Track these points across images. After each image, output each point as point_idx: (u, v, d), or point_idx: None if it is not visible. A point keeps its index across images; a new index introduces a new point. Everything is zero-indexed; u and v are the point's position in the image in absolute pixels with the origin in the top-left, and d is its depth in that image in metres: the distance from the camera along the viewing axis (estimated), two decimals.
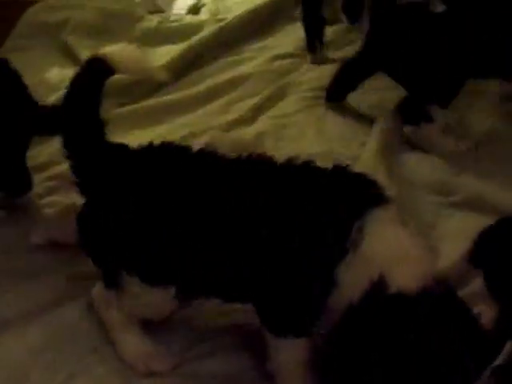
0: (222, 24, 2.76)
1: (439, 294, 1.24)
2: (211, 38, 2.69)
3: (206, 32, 2.72)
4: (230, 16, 2.86)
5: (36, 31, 2.79)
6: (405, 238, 1.30)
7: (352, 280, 1.26)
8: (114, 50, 1.54)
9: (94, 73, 1.54)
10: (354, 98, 2.39)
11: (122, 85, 2.42)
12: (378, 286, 1.23)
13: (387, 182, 2.04)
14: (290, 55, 2.66)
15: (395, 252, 1.27)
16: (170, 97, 2.45)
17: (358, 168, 2.09)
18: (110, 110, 2.37)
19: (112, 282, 1.51)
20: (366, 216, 1.29)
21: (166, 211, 1.39)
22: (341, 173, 1.42)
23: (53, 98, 2.36)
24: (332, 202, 1.33)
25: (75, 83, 1.54)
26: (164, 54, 2.66)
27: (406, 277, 1.24)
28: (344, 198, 1.34)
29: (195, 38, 2.69)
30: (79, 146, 1.52)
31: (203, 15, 2.92)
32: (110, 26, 2.79)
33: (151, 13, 2.90)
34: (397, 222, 1.33)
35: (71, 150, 1.52)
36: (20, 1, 2.98)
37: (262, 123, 2.33)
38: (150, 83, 2.46)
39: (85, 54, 2.61)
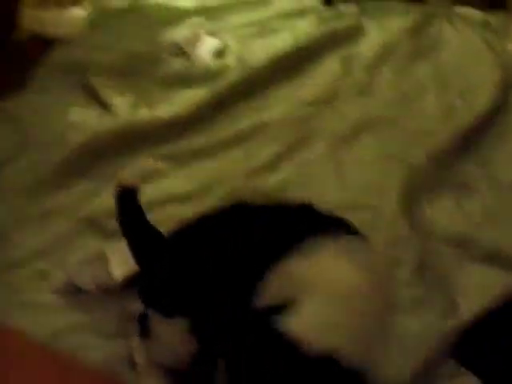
0: (246, 70, 2.77)
1: None
2: (236, 84, 2.69)
3: (230, 77, 2.73)
4: (254, 61, 2.88)
5: (60, 71, 2.79)
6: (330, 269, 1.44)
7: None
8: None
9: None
10: (376, 147, 2.42)
11: (146, 130, 2.46)
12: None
13: (407, 233, 2.07)
14: (313, 102, 2.66)
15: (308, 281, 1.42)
16: (193, 142, 2.46)
17: (378, 218, 2.13)
18: (135, 154, 2.40)
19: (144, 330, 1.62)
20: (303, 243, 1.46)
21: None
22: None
23: (78, 139, 2.41)
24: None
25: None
26: (188, 98, 2.67)
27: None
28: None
29: (220, 84, 2.70)
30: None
31: (228, 60, 2.94)
32: (134, 67, 2.80)
33: (176, 56, 2.93)
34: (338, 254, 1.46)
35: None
36: (45, 40, 3.02)
37: (285, 171, 2.35)
38: (173, 128, 2.50)
39: (108, 95, 2.66)
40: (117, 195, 1.80)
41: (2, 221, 2.16)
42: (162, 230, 1.78)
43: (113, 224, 2.06)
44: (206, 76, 2.81)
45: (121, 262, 1.90)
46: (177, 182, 2.30)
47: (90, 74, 2.77)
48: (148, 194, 2.19)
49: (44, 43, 3.08)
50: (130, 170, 1.88)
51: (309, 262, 1.44)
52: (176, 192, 2.22)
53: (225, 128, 2.54)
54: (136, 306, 1.72)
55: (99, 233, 2.12)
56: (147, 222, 1.79)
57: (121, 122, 2.48)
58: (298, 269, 1.44)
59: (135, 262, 1.75)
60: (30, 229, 2.14)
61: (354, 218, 2.07)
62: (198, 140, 2.48)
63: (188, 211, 2.10)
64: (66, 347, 1.74)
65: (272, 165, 2.38)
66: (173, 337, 1.57)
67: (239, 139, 2.48)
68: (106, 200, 2.19)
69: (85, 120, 2.58)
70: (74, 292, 1.90)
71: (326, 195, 2.22)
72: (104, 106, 2.66)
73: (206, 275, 1.54)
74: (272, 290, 1.44)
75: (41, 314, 1.86)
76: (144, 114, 2.57)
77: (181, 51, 2.95)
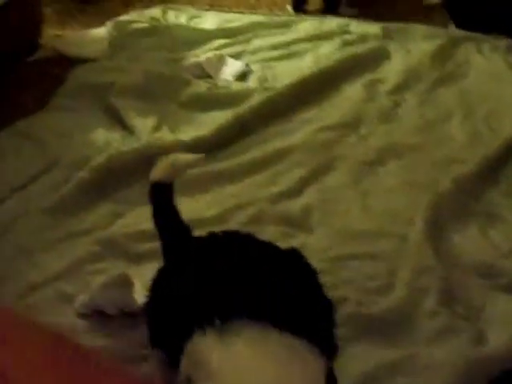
0: (269, 93, 2.76)
1: None
2: (259, 107, 2.68)
3: (253, 101, 2.72)
4: (277, 84, 2.87)
5: (82, 91, 2.81)
6: None
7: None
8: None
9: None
10: (401, 174, 2.40)
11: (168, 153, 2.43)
12: None
13: (434, 262, 2.04)
14: (337, 127, 2.64)
15: None
16: (217, 165, 2.45)
17: (404, 246, 2.10)
18: None
19: None
20: None
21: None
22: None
23: (101, 161, 2.39)
24: None
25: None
26: (211, 121, 2.67)
27: None
28: None
29: (243, 107, 2.68)
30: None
31: (251, 82, 2.93)
32: (157, 89, 2.80)
33: (199, 78, 2.92)
34: None
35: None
36: (68, 60, 3.02)
37: (309, 196, 2.32)
38: (196, 151, 2.47)
39: (130, 117, 2.65)
40: (151, 191, 1.77)
41: (25, 242, 2.15)
42: None
43: (136, 247, 2.11)
44: (229, 99, 2.81)
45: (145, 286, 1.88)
46: (198, 206, 2.27)
47: (112, 95, 2.77)
48: None
49: (67, 63, 3.09)
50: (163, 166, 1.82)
51: (227, 347, 1.32)
52: (197, 217, 2.19)
53: (248, 152, 2.52)
54: None
55: (123, 256, 2.09)
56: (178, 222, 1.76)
57: (143, 145, 2.47)
58: (213, 351, 1.33)
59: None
60: (54, 250, 2.13)
61: (378, 245, 2.09)
62: (220, 164, 2.46)
63: None
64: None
65: (296, 190, 2.35)
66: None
67: (262, 163, 2.46)
68: (129, 222, 2.22)
69: (108, 142, 2.57)
70: (97, 316, 1.87)
71: (351, 222, 2.20)
72: (126, 128, 2.65)
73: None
74: (185, 361, 1.40)
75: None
76: (166, 136, 2.55)
77: (204, 73, 2.95)
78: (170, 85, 2.83)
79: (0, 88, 2.92)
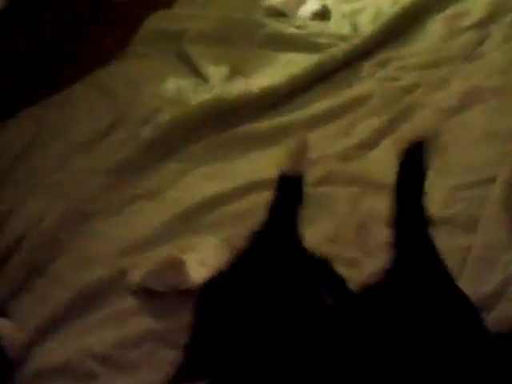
0: (354, 40, 2.56)
1: None
2: (340, 54, 2.49)
3: (336, 48, 2.53)
4: (358, 23, 2.70)
5: (156, 39, 2.71)
6: None
7: None
8: None
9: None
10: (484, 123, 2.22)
11: (234, 105, 2.34)
12: None
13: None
14: (416, 68, 2.44)
15: None
16: (287, 116, 2.32)
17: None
18: (226, 130, 2.30)
19: None
20: None
21: None
22: None
23: (168, 117, 2.31)
24: None
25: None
26: (286, 62, 2.55)
27: None
28: None
29: (325, 54, 2.50)
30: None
31: (332, 20, 2.76)
32: (231, 33, 2.67)
33: (275, 20, 2.77)
34: None
35: None
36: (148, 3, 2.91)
37: (384, 149, 2.19)
38: (266, 101, 2.37)
39: (203, 65, 2.55)
40: (279, 183, 1.66)
41: (88, 205, 2.10)
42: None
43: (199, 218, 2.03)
44: (306, 39, 2.66)
45: (199, 264, 1.81)
46: (266, 162, 2.17)
47: (185, 42, 2.66)
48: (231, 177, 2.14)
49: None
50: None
51: None
52: (264, 176, 2.09)
53: (320, 101, 2.37)
54: None
55: (189, 228, 2.01)
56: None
57: (209, 100, 2.35)
58: None
59: None
60: (115, 216, 2.08)
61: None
62: (290, 115, 2.33)
63: None
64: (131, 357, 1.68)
65: (371, 141, 2.21)
66: None
67: (335, 114, 2.31)
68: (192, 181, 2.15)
69: (180, 91, 2.48)
70: (148, 295, 1.82)
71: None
72: (200, 75, 2.55)
73: None
74: None
75: (113, 319, 1.81)
76: (237, 86, 2.42)
77: (280, 13, 2.81)
78: (245, 28, 2.68)
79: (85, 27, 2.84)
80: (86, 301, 1.86)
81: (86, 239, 2.02)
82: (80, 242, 2.01)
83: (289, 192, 1.65)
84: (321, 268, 1.62)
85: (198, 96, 2.43)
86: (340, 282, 1.62)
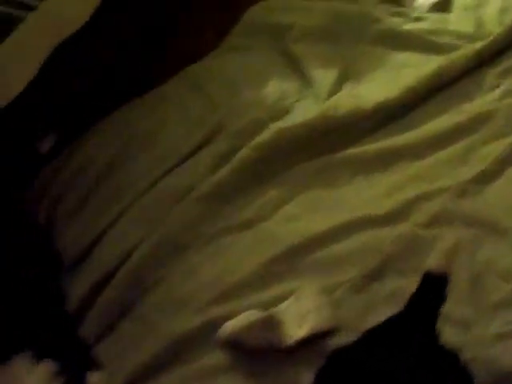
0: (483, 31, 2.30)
1: None
2: (466, 57, 2.23)
3: (461, 51, 2.26)
4: (482, 13, 2.43)
5: (259, 32, 2.48)
6: None
7: None
8: None
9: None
10: None
11: (342, 123, 2.14)
12: None
13: None
14: None
15: None
16: (398, 138, 2.09)
17: None
18: (333, 152, 2.11)
19: None
20: None
21: None
22: None
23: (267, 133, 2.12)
24: None
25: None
26: (400, 64, 2.32)
27: None
28: None
29: (448, 57, 2.24)
30: None
31: (454, 12, 2.50)
32: (340, 30, 2.43)
33: (389, 13, 2.52)
34: None
35: None
36: None
37: (508, 181, 1.95)
38: (375, 118, 2.16)
39: (309, 66, 2.34)
40: (423, 279, 1.59)
41: (179, 236, 1.95)
42: None
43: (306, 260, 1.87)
44: (425, 35, 2.41)
45: (295, 324, 1.67)
46: (373, 193, 1.98)
47: (291, 38, 2.45)
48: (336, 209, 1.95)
49: None
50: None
51: None
52: (372, 213, 1.91)
53: (435, 118, 2.13)
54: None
55: (288, 269, 1.85)
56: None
57: (315, 117, 2.13)
58: None
59: None
60: (207, 251, 1.93)
61: None
62: (402, 136, 2.10)
63: (384, 235, 1.84)
64: None
65: (492, 172, 1.98)
66: None
67: (451, 135, 2.07)
68: (293, 213, 1.97)
69: (282, 96, 2.28)
70: (240, 350, 1.69)
71: None
72: (304, 77, 2.34)
73: None
74: None
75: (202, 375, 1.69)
76: (347, 100, 2.20)
77: (395, 2, 2.55)
78: (356, 23, 2.43)
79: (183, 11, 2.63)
80: (175, 352, 1.75)
81: (175, 277, 1.88)
82: (170, 281, 1.88)
83: (432, 290, 1.57)
84: (450, 362, 1.51)
85: (302, 104, 2.24)
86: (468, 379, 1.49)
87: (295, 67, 2.37)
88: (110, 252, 1.94)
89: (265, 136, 2.10)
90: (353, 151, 2.08)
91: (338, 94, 2.24)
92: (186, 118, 2.26)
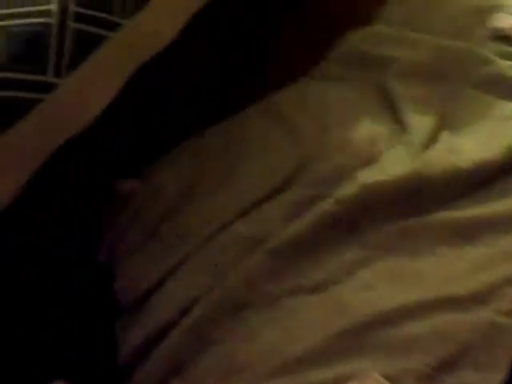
0: None
1: None
2: None
3: None
4: None
5: (353, 62, 2.31)
6: None
7: None
8: None
9: None
10: None
11: (435, 182, 1.96)
12: None
13: None
14: None
15: None
16: (495, 204, 1.90)
17: None
18: (419, 214, 1.94)
19: None
20: None
21: None
22: None
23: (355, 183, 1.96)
24: None
25: None
26: (507, 115, 2.11)
27: None
28: None
29: None
30: None
31: None
32: (445, 70, 2.22)
33: (502, 54, 2.30)
34: None
35: None
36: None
37: None
38: (472, 180, 1.98)
39: (405, 109, 2.16)
40: None
41: (243, 292, 1.81)
42: None
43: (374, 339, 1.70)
44: None
45: None
46: (458, 268, 1.81)
47: (388, 73, 2.26)
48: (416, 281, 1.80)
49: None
50: None
51: None
52: (455, 293, 1.75)
53: None
54: None
55: (352, 347, 1.69)
56: None
57: (409, 171, 1.95)
58: None
59: None
60: (271, 312, 1.78)
61: None
62: (500, 201, 1.91)
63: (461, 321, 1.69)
64: None
65: None
66: None
67: None
68: (374, 292, 1.79)
69: (372, 140, 2.11)
70: None
71: None
72: (398, 120, 2.16)
73: None
74: None
75: None
76: (442, 156, 2.02)
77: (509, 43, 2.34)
78: (463, 63, 2.22)
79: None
80: None
81: (233, 340, 1.76)
82: (226, 343, 1.75)
83: None
84: None
85: (393, 153, 2.06)
86: None
87: (390, 107, 2.19)
88: (168, 302, 1.83)
89: (351, 189, 1.93)
90: (441, 216, 1.90)
91: (434, 147, 2.05)
92: (266, 155, 2.11)
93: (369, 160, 2.05)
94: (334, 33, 2.40)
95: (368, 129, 2.13)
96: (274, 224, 1.93)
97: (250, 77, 2.33)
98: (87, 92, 1.87)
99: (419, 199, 1.92)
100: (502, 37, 2.32)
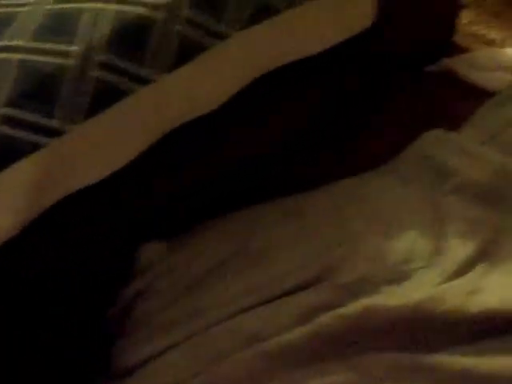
0: None
1: None
2: None
3: None
4: None
5: (420, 164, 2.27)
6: None
7: None
8: None
9: None
10: None
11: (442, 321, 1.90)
12: None
13: None
14: None
15: None
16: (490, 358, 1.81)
17: None
18: (419, 352, 1.87)
19: None
20: None
21: None
22: None
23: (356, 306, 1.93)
24: None
25: None
26: None
27: None
28: None
29: None
30: None
31: None
32: (501, 193, 2.15)
33: None
34: None
35: None
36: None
37: None
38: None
39: (452, 230, 2.11)
40: None
41: None
42: None
43: None
44: None
45: None
46: None
47: (446, 184, 2.22)
48: None
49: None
50: None
51: None
52: None
53: None
54: None
55: None
56: None
57: (408, 305, 1.89)
58: None
59: None
60: None
61: None
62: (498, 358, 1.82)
63: None
64: None
65: None
66: None
67: None
68: None
69: (408, 257, 2.07)
70: None
71: None
72: (440, 238, 2.10)
73: None
74: None
75: None
76: (457, 289, 1.95)
77: None
78: None
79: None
80: None
81: None
82: None
83: None
84: None
85: (425, 274, 2.02)
86: None
87: (439, 223, 2.14)
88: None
89: (350, 309, 1.93)
90: (439, 359, 1.84)
91: (460, 280, 2.00)
92: (307, 245, 2.13)
93: (398, 276, 2.02)
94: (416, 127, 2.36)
95: (408, 242, 2.08)
96: (281, 325, 1.92)
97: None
98: (111, 144, 1.81)
99: (422, 334, 1.88)
100: None
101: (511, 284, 1.95)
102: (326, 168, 2.32)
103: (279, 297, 1.99)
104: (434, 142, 2.29)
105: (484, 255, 2.03)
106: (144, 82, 1.78)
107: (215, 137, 2.06)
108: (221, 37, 1.87)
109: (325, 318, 1.89)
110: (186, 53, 1.83)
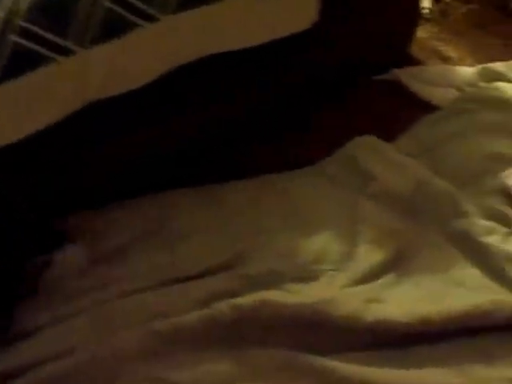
0: None
1: None
2: None
3: None
4: None
5: (347, 166, 2.31)
6: None
7: None
8: None
9: None
10: None
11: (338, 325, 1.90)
12: None
13: None
14: None
15: None
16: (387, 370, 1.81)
17: None
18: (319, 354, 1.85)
19: None
20: None
21: None
22: None
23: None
24: None
25: None
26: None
27: None
28: None
29: None
30: None
31: None
32: (419, 206, 2.16)
33: None
34: None
35: None
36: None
37: None
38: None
39: (368, 232, 2.11)
40: None
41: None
42: None
43: None
44: None
45: None
46: None
47: (369, 189, 2.24)
48: None
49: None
50: None
51: None
52: None
53: None
54: None
55: None
56: None
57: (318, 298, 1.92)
58: None
59: None
60: None
61: None
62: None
63: None
64: None
65: None
66: None
67: None
68: None
69: (327, 253, 2.07)
70: None
71: None
72: (354, 245, 2.12)
73: None
74: None
75: None
76: (358, 297, 1.96)
77: None
78: (437, 208, 2.15)
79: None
80: None
81: None
82: None
83: None
84: None
85: (334, 277, 2.03)
86: None
87: (354, 227, 2.16)
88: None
89: (249, 300, 1.95)
90: (329, 364, 1.82)
91: (363, 287, 2.01)
92: (221, 233, 2.14)
93: (307, 275, 2.04)
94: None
95: (320, 244, 2.09)
96: (186, 306, 1.93)
97: None
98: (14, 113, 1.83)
99: (316, 336, 1.88)
100: (507, 194, 2.22)
101: (417, 297, 1.94)
102: (260, 161, 2.31)
103: (184, 280, 2.00)
104: (363, 147, 2.30)
105: (394, 265, 2.03)
106: (65, 52, 1.81)
107: (144, 116, 2.10)
108: (150, 19, 1.89)
109: (220, 306, 1.90)
110: (113, 29, 1.85)
